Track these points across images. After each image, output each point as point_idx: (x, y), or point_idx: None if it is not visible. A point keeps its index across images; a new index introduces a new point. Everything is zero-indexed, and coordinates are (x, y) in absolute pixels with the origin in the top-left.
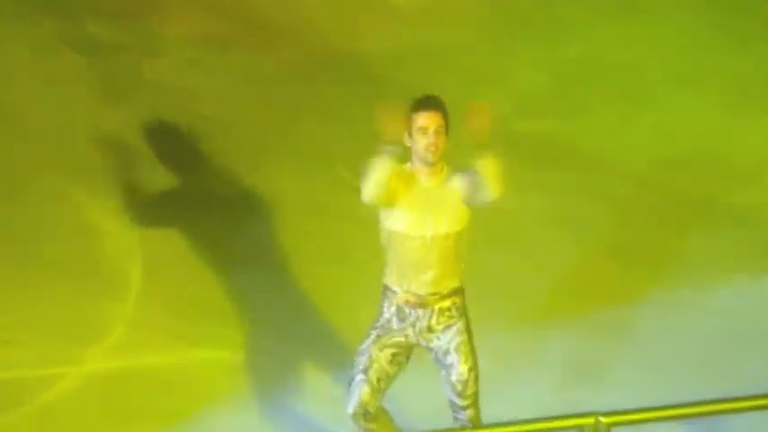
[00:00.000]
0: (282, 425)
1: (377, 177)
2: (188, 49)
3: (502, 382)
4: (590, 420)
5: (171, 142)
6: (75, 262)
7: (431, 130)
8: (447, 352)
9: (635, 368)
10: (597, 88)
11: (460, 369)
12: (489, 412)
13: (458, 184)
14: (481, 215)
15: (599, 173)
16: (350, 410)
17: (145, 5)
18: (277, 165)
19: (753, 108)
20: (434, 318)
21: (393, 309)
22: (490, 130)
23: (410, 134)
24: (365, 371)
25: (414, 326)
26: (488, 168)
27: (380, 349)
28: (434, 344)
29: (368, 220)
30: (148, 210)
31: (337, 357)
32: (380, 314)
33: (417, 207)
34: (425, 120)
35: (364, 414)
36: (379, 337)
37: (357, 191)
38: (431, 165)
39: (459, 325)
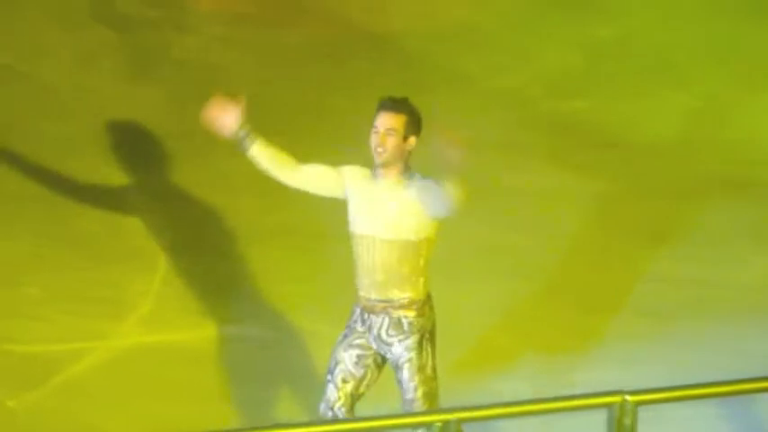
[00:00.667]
0: (312, 400)
1: (265, 168)
2: (217, 26)
3: (543, 363)
4: (617, 399)
5: (199, 119)
6: (105, 238)
7: (380, 131)
8: (397, 367)
9: (662, 347)
10: (628, 68)
11: (405, 387)
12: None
13: (415, 193)
14: (510, 195)
15: (628, 153)
16: (319, 411)
17: None
18: (307, 143)
19: None
20: (385, 328)
21: (358, 310)
22: (460, 157)
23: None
24: (331, 371)
25: (370, 331)
26: (453, 189)
27: (345, 350)
28: (389, 355)
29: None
30: (177, 186)
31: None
32: (351, 314)
33: (365, 207)
34: (378, 120)
35: (333, 416)
36: (345, 337)
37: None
38: (382, 166)
39: (410, 342)
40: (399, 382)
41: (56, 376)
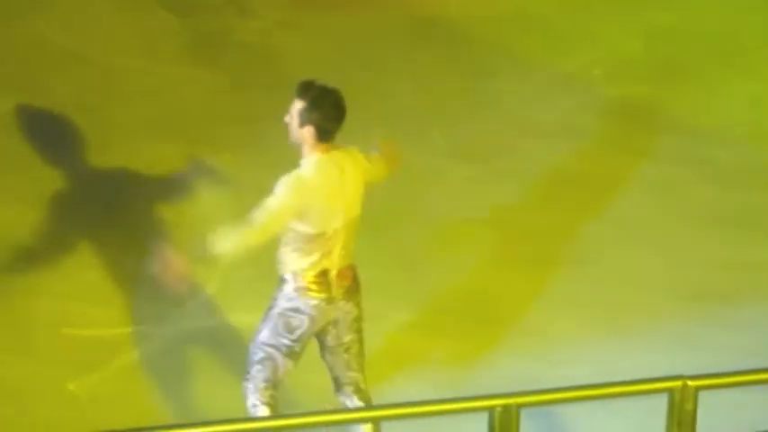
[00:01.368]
0: (374, 382)
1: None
2: (279, 9)
3: (604, 348)
4: (678, 384)
5: (261, 103)
6: (166, 222)
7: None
8: None
9: (722, 331)
10: (691, 54)
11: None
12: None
13: None
14: (572, 181)
15: (692, 138)
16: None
17: None
18: (365, 127)
19: None
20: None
21: None
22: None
23: None
24: None
25: None
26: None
27: None
28: None
29: (458, 185)
30: (239, 170)
31: (431, 319)
32: None
33: None
34: None
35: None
36: None
37: (450, 155)
38: (294, 146)
39: (271, 305)
40: None
41: (116, 360)
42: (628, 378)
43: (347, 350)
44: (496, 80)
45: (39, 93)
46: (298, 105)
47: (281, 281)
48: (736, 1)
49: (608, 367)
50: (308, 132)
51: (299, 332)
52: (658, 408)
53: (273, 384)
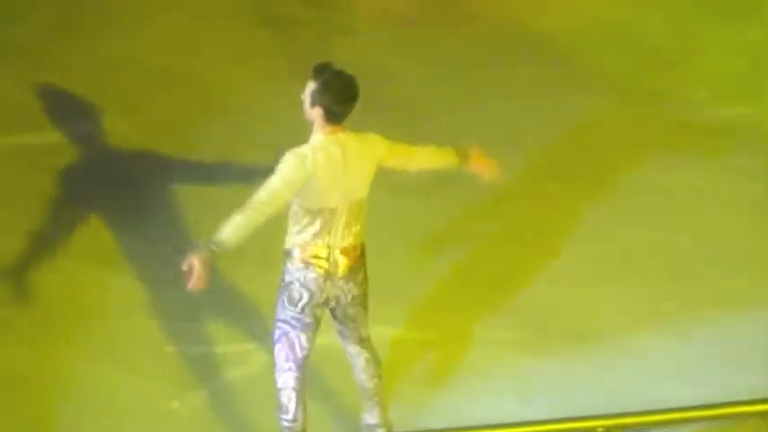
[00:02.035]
0: (480, 404)
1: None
2: (378, 28)
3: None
4: None
5: (360, 120)
6: (269, 239)
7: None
8: None
9: None
10: None
11: None
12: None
13: None
14: (664, 195)
15: None
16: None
17: None
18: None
19: None
20: None
21: None
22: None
23: None
24: None
25: None
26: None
27: None
28: None
29: (564, 206)
30: None
31: (531, 337)
32: None
33: None
34: None
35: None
36: None
37: (550, 173)
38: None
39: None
40: None
41: (219, 377)
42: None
43: (353, 320)
44: (596, 96)
45: (139, 110)
46: (310, 86)
47: (285, 254)
48: None
49: (703, 383)
50: (316, 113)
51: (301, 303)
52: None
53: (297, 366)
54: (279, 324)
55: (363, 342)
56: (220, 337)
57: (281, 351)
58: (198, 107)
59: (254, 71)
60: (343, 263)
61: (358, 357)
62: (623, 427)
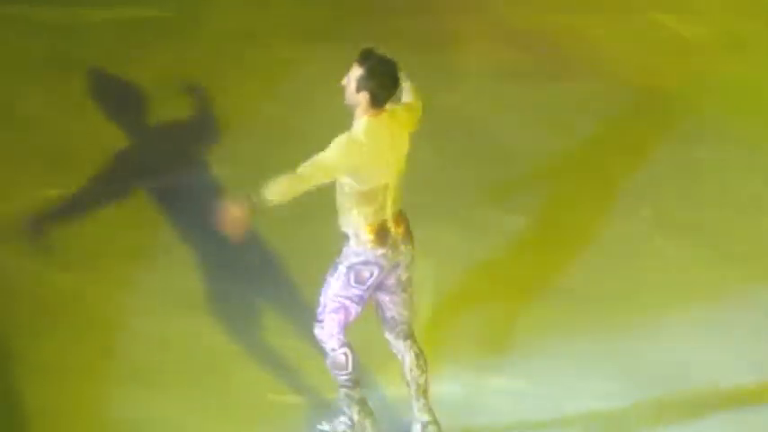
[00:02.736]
0: None
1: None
2: (486, 79)
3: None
4: None
5: (467, 170)
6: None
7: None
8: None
9: None
10: None
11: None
12: None
13: None
14: None
15: None
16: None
17: (446, 36)
18: (570, 200)
19: None
20: None
21: None
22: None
23: None
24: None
25: None
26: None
27: None
28: None
29: (677, 264)
30: (440, 238)
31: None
32: None
33: None
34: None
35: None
36: None
37: (662, 229)
38: (349, 107)
39: (338, 262)
40: None
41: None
42: None
43: (405, 289)
44: (706, 149)
45: (258, 164)
46: (356, 72)
47: (346, 237)
48: None
49: None
50: (363, 97)
51: (370, 281)
52: None
53: (343, 329)
54: (339, 299)
55: (412, 336)
56: (316, 386)
57: (334, 320)
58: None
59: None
60: (398, 230)
61: (407, 353)
62: None
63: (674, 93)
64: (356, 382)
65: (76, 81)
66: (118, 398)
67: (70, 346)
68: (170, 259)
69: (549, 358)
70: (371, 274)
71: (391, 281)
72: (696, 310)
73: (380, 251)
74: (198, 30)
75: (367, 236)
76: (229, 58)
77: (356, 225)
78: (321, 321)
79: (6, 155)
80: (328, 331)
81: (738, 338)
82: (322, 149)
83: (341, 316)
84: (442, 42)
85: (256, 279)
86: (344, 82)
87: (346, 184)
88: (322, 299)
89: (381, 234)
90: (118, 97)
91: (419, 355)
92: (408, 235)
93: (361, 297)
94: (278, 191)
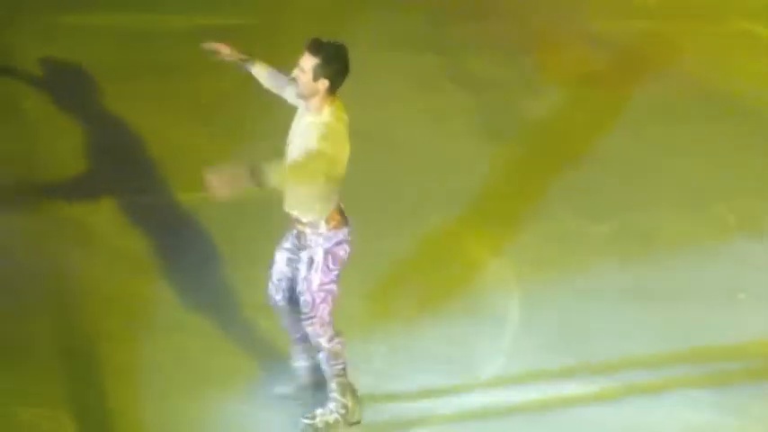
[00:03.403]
0: None
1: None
2: (565, 86)
3: None
4: None
5: (549, 179)
6: (456, 296)
7: (298, 67)
8: (299, 270)
9: None
10: None
11: (300, 288)
12: None
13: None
14: None
15: None
16: (272, 303)
17: (525, 43)
18: (650, 202)
19: None
20: (299, 237)
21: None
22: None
23: None
24: (270, 268)
25: (294, 236)
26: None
27: (278, 251)
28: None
29: (758, 262)
30: (529, 245)
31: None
32: None
33: (289, 133)
34: (302, 57)
35: (273, 306)
36: (281, 240)
37: (739, 231)
38: (303, 98)
39: (312, 255)
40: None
41: None
42: None
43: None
44: None
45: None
46: (311, 61)
47: (314, 227)
48: None
49: None
50: (321, 86)
51: (345, 258)
52: None
53: (331, 313)
54: (324, 288)
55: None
56: (407, 393)
57: (325, 310)
58: (388, 167)
59: (447, 131)
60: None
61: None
62: None
63: (756, 98)
64: (346, 368)
65: (155, 86)
66: (191, 398)
67: (147, 348)
68: (248, 261)
69: (639, 361)
70: (345, 252)
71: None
72: None
73: (347, 229)
74: (280, 37)
75: (337, 217)
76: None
77: (324, 211)
78: (313, 317)
79: (86, 159)
80: (321, 322)
81: None
82: (404, 154)
83: (329, 302)
84: (526, 47)
85: None
86: (296, 74)
87: (327, 173)
88: (307, 297)
89: (343, 213)
90: (193, 104)
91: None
92: None
93: (338, 276)
94: (281, 177)
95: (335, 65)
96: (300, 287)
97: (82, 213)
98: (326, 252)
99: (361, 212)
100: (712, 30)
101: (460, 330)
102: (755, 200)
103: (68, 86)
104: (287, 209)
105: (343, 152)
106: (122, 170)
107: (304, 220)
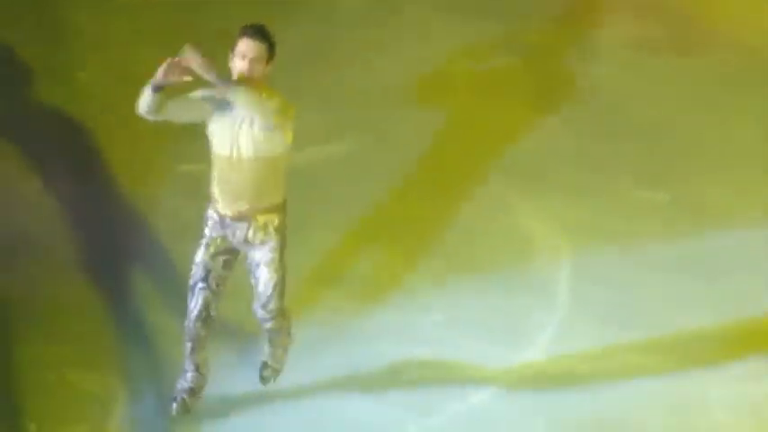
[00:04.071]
0: None
1: (146, 108)
2: (621, 53)
3: None
4: None
5: (605, 149)
6: (507, 266)
7: (248, 57)
8: (257, 265)
9: None
10: None
11: (265, 283)
12: None
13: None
14: None
15: None
16: (194, 315)
17: (578, 9)
18: (709, 172)
19: None
20: (251, 231)
21: (216, 217)
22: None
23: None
24: (204, 279)
25: (234, 234)
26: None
27: (212, 258)
28: (251, 254)
29: None
30: (581, 215)
31: None
32: (206, 223)
33: (228, 129)
34: (245, 46)
35: (205, 318)
36: (207, 246)
37: None
38: (245, 94)
39: (273, 243)
40: (257, 278)
41: (455, 404)
42: None
43: None
44: None
45: (380, 134)
46: (262, 47)
47: (279, 213)
48: None
49: None
50: (269, 68)
51: None
52: None
53: None
54: (283, 263)
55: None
56: (460, 361)
57: (285, 287)
58: (439, 134)
59: (499, 98)
60: None
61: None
62: None
63: None
64: None
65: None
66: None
67: None
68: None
69: (694, 334)
70: (203, 247)
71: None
72: None
73: None
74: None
75: None
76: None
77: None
78: (280, 300)
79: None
80: (283, 302)
81: None
82: (455, 121)
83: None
84: (578, 16)
85: None
86: (246, 66)
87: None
88: (278, 283)
89: None
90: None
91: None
92: None
93: None
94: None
95: (275, 44)
96: (261, 298)
97: (134, 184)
98: (284, 229)
99: (409, 179)
100: None
101: (512, 300)
102: None
103: (122, 59)
104: (241, 206)
105: None
106: (178, 140)
107: (265, 205)
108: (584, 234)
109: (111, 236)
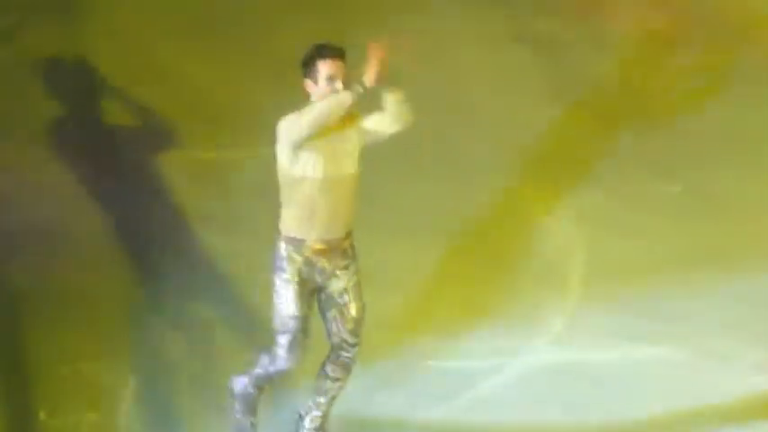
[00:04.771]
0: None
1: (328, 114)
2: (632, 46)
3: None
4: None
5: (624, 140)
6: (518, 256)
7: (339, 79)
8: (341, 293)
9: None
10: None
11: (357, 309)
12: None
13: (363, 127)
14: None
15: None
16: (291, 366)
17: (591, 2)
18: (722, 165)
19: None
20: (339, 259)
21: (301, 259)
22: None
23: (314, 81)
24: (302, 329)
25: (322, 271)
26: (396, 98)
27: (305, 301)
28: (334, 284)
29: None
30: (594, 206)
31: None
32: (282, 270)
33: (327, 150)
34: (335, 68)
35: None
36: (299, 293)
37: None
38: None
39: (355, 265)
40: (343, 305)
41: (468, 391)
42: None
43: None
44: None
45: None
46: (342, 65)
47: (352, 235)
48: None
49: None
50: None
51: None
52: None
53: None
54: None
55: None
56: (476, 351)
57: None
58: (456, 125)
59: (515, 91)
60: None
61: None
62: None
63: None
64: None
65: (231, 44)
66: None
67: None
68: None
69: (707, 325)
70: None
71: None
72: None
73: None
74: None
75: None
76: None
77: None
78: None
79: (153, 119)
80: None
81: None
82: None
83: None
84: (594, 5)
85: None
86: (340, 86)
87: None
88: (365, 306)
89: None
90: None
91: None
92: None
93: None
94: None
95: None
96: (350, 324)
97: (151, 167)
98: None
99: (425, 171)
100: None
101: (526, 290)
102: None
103: (142, 43)
104: (334, 232)
105: None
106: (205, 127)
107: (346, 232)
108: (598, 224)
109: (124, 226)
